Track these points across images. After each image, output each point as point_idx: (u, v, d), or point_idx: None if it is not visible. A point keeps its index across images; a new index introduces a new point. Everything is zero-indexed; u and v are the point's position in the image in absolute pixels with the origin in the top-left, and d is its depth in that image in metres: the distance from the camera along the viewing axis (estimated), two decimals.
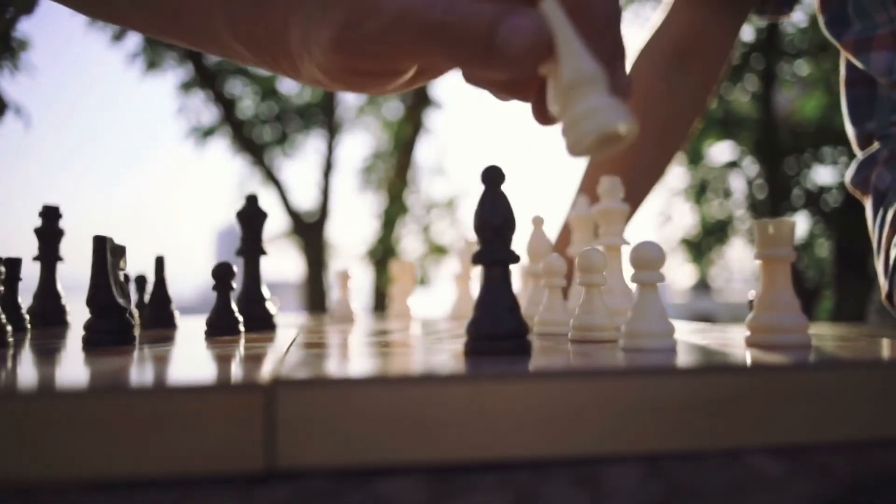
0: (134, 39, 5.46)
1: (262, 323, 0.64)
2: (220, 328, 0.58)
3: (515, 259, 0.38)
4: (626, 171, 0.90)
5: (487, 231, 0.38)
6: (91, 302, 0.50)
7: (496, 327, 0.38)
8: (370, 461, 0.28)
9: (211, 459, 0.27)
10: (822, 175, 6.73)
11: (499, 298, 0.38)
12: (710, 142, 6.48)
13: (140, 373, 0.33)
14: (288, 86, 5.92)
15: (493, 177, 0.39)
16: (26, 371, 0.35)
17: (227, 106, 5.70)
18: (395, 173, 6.19)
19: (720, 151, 6.59)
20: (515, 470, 0.28)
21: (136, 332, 0.51)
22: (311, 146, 6.06)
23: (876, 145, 0.81)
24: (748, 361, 0.33)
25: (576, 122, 0.29)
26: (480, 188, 0.39)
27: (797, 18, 6.16)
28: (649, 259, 0.41)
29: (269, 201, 6.15)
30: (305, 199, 6.10)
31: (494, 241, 0.38)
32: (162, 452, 0.27)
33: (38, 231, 0.77)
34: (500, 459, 0.29)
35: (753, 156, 6.19)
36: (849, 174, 0.87)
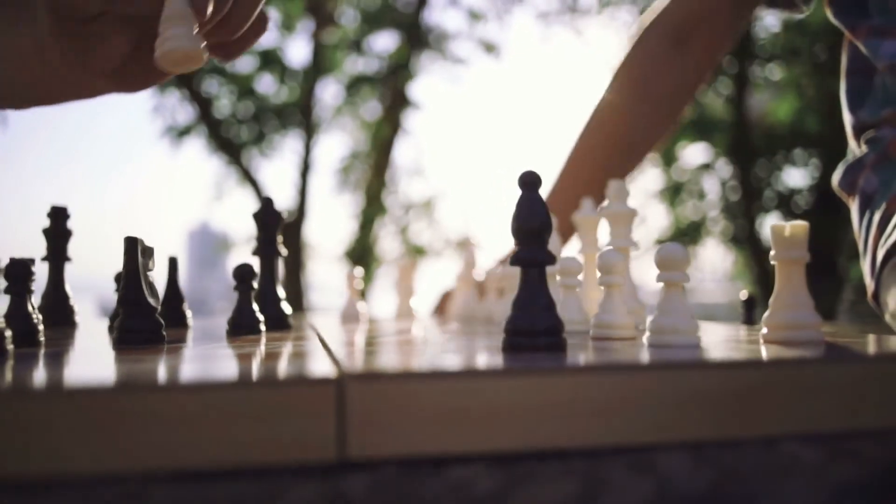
0: None
1: (278, 322, 0.66)
2: (242, 327, 0.59)
3: (552, 260, 0.40)
4: (620, 142, 0.97)
5: (525, 233, 0.40)
6: (123, 301, 0.50)
7: (534, 325, 0.39)
8: (436, 451, 0.30)
9: (286, 450, 0.29)
10: (794, 177, 6.86)
11: (536, 297, 0.40)
12: (683, 144, 6.58)
13: (203, 370, 0.34)
14: (265, 85, 5.89)
15: (529, 181, 0.40)
16: (82, 369, 0.36)
17: (203, 105, 5.65)
18: (373, 174, 6.19)
19: (694, 153, 6.69)
20: (572, 458, 0.30)
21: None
22: (289, 146, 6.03)
23: (864, 148, 0.84)
24: (778, 355, 0.35)
25: (164, 42, 0.44)
26: (517, 192, 0.41)
27: (769, 23, 6.27)
28: (674, 259, 0.43)
29: (245, 201, 6.11)
30: (283, 199, 6.07)
31: (532, 242, 0.40)
32: (239, 444, 0.28)
33: (46, 231, 0.77)
34: (556, 448, 0.30)
35: (727, 158, 6.29)
36: (836, 177, 0.90)
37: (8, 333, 0.43)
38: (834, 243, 5.73)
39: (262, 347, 0.46)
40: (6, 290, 0.50)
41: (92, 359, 0.41)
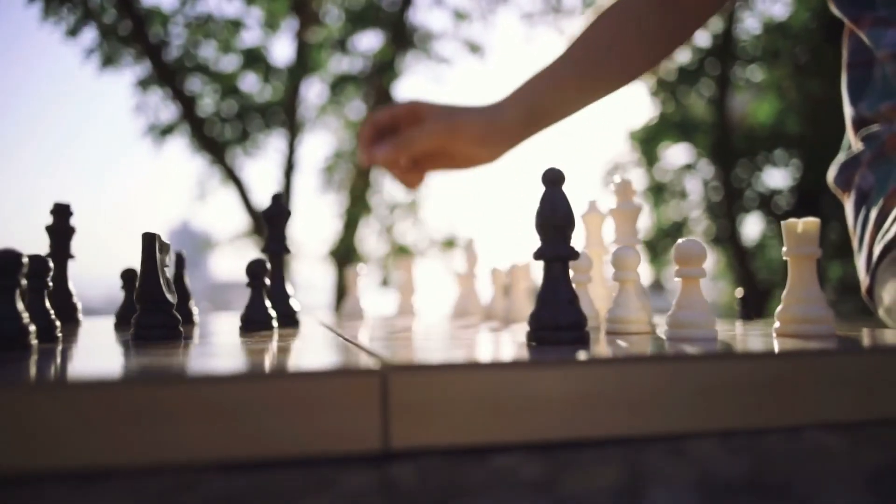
0: (90, 34, 5.34)
1: (287, 319, 0.66)
2: (254, 323, 0.59)
3: (575, 255, 0.41)
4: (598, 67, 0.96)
5: (549, 229, 0.41)
6: (141, 297, 0.51)
7: (558, 319, 0.40)
8: (475, 441, 0.30)
9: (331, 441, 0.29)
10: (775, 178, 6.96)
11: (560, 292, 0.41)
12: (666, 144, 6.64)
13: (242, 363, 0.34)
14: (249, 84, 5.86)
15: (553, 177, 0.41)
16: (117, 363, 0.37)
17: (186, 103, 5.61)
18: (357, 173, 6.17)
19: (677, 154, 6.75)
20: (610, 446, 0.31)
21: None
22: (273, 145, 6.00)
23: (860, 146, 0.86)
24: (803, 347, 0.36)
25: None
26: (541, 188, 0.41)
27: (750, 26, 6.34)
28: (692, 255, 0.44)
29: (229, 200, 6.07)
30: (267, 198, 6.05)
31: (555, 237, 0.41)
32: (286, 435, 0.29)
33: (49, 228, 0.77)
34: (595, 437, 0.31)
35: (709, 158, 6.35)
36: (831, 174, 0.92)
37: (32, 328, 0.43)
38: None
39: (289, 342, 0.46)
40: (27, 287, 0.50)
41: (120, 354, 0.41)
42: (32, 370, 0.32)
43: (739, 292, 0.92)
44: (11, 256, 0.42)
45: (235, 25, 5.71)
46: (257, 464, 0.28)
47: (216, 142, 5.77)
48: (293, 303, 0.67)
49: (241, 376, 0.29)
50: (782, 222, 0.46)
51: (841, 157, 0.89)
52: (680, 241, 0.44)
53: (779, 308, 0.46)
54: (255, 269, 0.60)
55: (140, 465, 0.27)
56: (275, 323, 0.60)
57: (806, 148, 5.80)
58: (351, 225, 6.10)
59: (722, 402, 0.33)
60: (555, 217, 0.41)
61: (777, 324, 0.46)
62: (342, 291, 5.97)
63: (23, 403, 0.27)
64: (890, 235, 0.76)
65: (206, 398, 0.28)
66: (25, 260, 0.43)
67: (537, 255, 0.41)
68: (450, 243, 6.36)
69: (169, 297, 0.51)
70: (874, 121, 0.83)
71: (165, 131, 5.80)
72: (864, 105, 0.84)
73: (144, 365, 0.33)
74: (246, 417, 0.28)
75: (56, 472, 0.27)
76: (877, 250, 0.79)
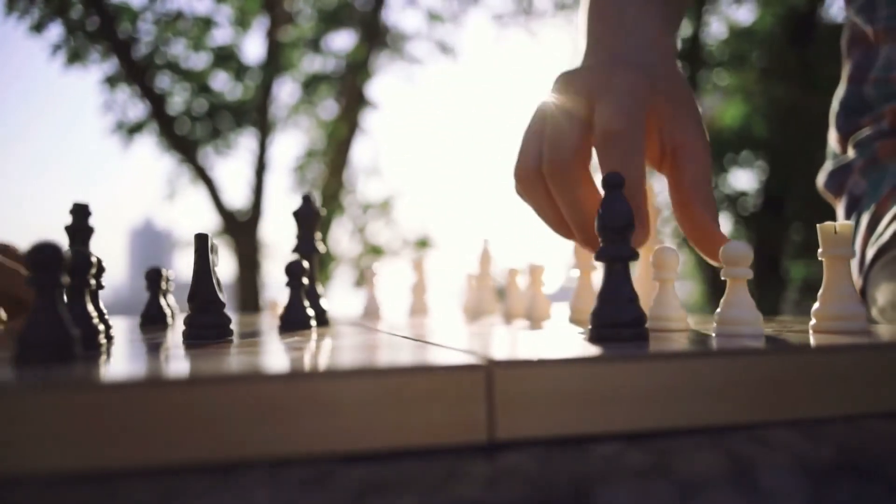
0: (56, 30, 5.25)
1: (319, 318, 0.67)
2: (294, 323, 0.60)
3: (636, 256, 0.43)
4: None
5: (610, 230, 0.43)
6: (193, 297, 0.51)
7: (619, 316, 0.42)
8: (575, 431, 0.32)
9: (443, 433, 0.31)
10: (741, 180, 7.12)
11: (621, 290, 0.43)
12: None
13: (337, 359, 0.36)
14: (220, 82, 5.81)
15: (613, 181, 0.43)
16: (229, 361, 0.38)
17: (155, 101, 5.54)
18: (329, 173, 6.16)
19: None
20: (696, 435, 0.33)
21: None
22: (244, 144, 5.96)
23: (851, 153, 0.90)
24: (856, 342, 0.39)
25: None
26: (603, 192, 0.43)
27: (717, 31, 6.48)
28: (739, 256, 0.46)
29: (197, 200, 6.01)
30: (238, 197, 6.00)
31: (616, 239, 0.43)
32: (405, 428, 0.30)
33: (68, 228, 0.76)
34: (682, 426, 0.33)
35: None
36: (821, 179, 0.95)
37: (101, 327, 0.44)
38: (778, 244, 5.94)
39: (348, 340, 0.47)
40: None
41: (197, 352, 0.42)
42: (142, 368, 0.33)
43: None
44: (83, 257, 0.43)
45: (206, 23, 5.65)
46: (377, 455, 0.30)
47: (186, 140, 5.71)
48: (324, 302, 0.69)
49: (357, 372, 0.30)
50: (818, 225, 0.48)
51: (829, 165, 0.93)
52: (726, 244, 0.47)
53: (815, 306, 0.49)
54: (293, 270, 0.61)
55: (274, 457, 0.29)
56: (313, 322, 0.61)
57: (771, 150, 5.94)
58: (323, 225, 6.08)
59: (790, 392, 0.35)
60: (616, 219, 0.43)
61: (813, 321, 0.49)
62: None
63: (151, 401, 0.28)
64: (884, 239, 0.80)
65: (325, 394, 0.30)
66: (94, 260, 0.44)
67: (599, 256, 0.43)
68: (423, 243, 6.39)
69: (221, 297, 0.52)
70: (875, 121, 0.86)
71: (134, 129, 5.72)
72: (864, 120, 0.87)
73: (245, 362, 0.35)
74: (365, 411, 0.30)
75: (198, 465, 0.28)
76: (870, 253, 0.83)
